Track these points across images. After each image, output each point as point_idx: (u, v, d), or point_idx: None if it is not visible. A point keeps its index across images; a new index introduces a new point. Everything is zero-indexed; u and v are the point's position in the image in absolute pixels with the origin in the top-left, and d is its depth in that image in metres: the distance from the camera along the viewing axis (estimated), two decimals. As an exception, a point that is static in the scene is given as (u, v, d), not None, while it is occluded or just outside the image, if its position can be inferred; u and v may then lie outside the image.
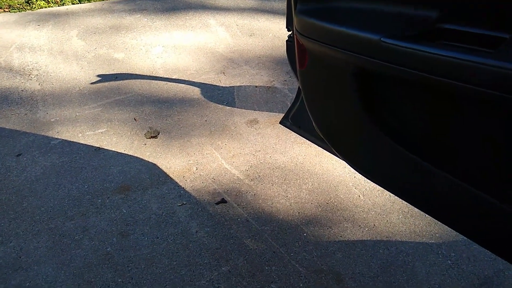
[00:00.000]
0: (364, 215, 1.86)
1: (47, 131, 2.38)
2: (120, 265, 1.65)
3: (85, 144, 2.28)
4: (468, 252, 1.70)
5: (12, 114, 2.52)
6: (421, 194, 0.96)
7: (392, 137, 0.93)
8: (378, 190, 1.98)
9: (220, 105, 2.60)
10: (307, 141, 1.44)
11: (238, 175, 2.08)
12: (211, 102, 2.63)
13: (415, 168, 0.91)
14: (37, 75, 2.90)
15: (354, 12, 0.91)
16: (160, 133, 2.37)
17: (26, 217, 1.85)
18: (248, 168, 2.13)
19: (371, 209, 1.89)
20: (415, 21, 0.81)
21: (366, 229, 1.80)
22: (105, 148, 2.26)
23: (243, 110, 2.56)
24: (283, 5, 4.00)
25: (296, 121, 1.44)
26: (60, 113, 2.53)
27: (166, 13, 3.85)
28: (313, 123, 1.16)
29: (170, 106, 2.59)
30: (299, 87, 1.24)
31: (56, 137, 2.34)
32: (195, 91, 2.74)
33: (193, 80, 2.86)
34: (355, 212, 1.88)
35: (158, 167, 2.13)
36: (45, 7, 3.96)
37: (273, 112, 2.54)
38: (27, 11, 3.89)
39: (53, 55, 3.15)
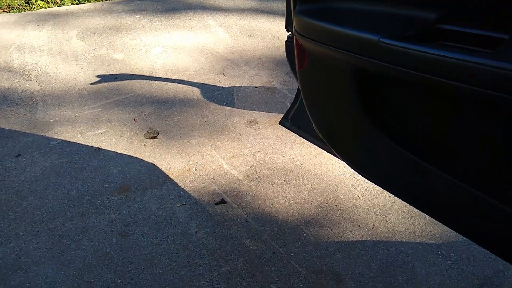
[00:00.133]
0: (364, 216, 1.86)
1: (47, 132, 2.38)
2: (119, 265, 1.65)
3: (85, 145, 2.28)
4: (468, 253, 1.70)
5: (12, 115, 2.52)
6: (420, 195, 0.96)
7: (391, 138, 0.93)
8: (378, 191, 1.98)
9: (219, 106, 2.60)
10: (307, 141, 1.44)
11: (237, 175, 2.08)
12: (211, 103, 2.63)
13: (414, 168, 0.91)
14: (37, 75, 2.90)
15: (354, 12, 0.91)
16: (159, 134, 2.37)
17: (25, 217, 1.85)
18: (248, 168, 2.13)
19: (371, 209, 1.89)
20: (414, 21, 0.81)
21: (366, 229, 1.80)
22: (105, 148, 2.26)
23: (243, 110, 2.56)
24: (282, 6, 4.01)
25: (296, 121, 1.44)
26: (60, 113, 2.53)
27: (166, 13, 3.85)
28: (313, 124, 1.16)
29: (170, 106, 2.59)
30: (298, 87, 1.24)
31: (55, 137, 2.34)
32: (195, 92, 2.74)
33: (193, 81, 2.86)
34: (355, 213, 1.88)
35: (158, 168, 2.13)
36: (45, 8, 3.96)
37: (273, 112, 2.55)
38: (27, 11, 3.89)
39: (52, 55, 3.15)
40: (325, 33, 0.91)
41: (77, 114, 2.52)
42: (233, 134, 2.37)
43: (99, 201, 1.94)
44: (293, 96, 2.27)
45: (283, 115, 1.50)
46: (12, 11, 3.89)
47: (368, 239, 1.76)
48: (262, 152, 2.24)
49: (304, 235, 1.78)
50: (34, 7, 3.93)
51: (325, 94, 1.05)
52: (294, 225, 1.82)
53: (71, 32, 3.50)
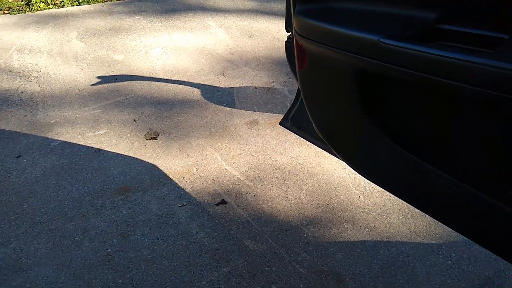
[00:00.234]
0: (365, 216, 1.86)
1: (47, 133, 2.38)
2: (120, 266, 1.65)
3: (85, 146, 2.28)
4: (469, 253, 1.70)
5: (12, 116, 2.52)
6: (421, 195, 0.96)
7: (391, 138, 0.93)
8: (378, 191, 1.98)
9: (220, 106, 2.61)
10: (307, 142, 1.45)
11: (238, 176, 2.08)
12: (211, 103, 2.64)
13: (415, 168, 0.91)
14: (37, 76, 2.90)
15: (353, 12, 0.91)
16: (160, 134, 2.37)
17: (26, 218, 1.85)
18: (248, 169, 2.13)
19: (371, 209, 1.89)
20: (414, 21, 0.81)
21: (367, 229, 1.80)
22: (105, 149, 2.26)
23: (243, 111, 2.56)
24: (282, 7, 4.01)
25: (296, 122, 1.44)
26: (60, 114, 2.53)
27: (166, 14, 3.86)
28: (313, 124, 1.16)
29: (170, 107, 2.60)
30: (298, 88, 1.25)
31: (56, 138, 2.34)
32: (195, 93, 2.74)
33: (193, 82, 2.86)
34: (355, 213, 1.88)
35: (158, 168, 2.13)
36: (45, 9, 3.96)
37: (273, 113, 2.55)
38: (27, 13, 3.89)
39: (52, 56, 3.15)
40: (325, 33, 0.91)
41: (77, 115, 2.52)
42: (233, 134, 2.37)
43: (99, 201, 1.94)
44: (293, 96, 2.28)
45: (283, 115, 1.50)
46: (12, 12, 3.90)
47: (369, 239, 1.76)
48: (263, 152, 2.24)
49: (305, 235, 1.78)
50: (34, 9, 3.93)
51: (325, 95, 1.05)
52: (295, 226, 1.82)
53: (71, 33, 3.50)
